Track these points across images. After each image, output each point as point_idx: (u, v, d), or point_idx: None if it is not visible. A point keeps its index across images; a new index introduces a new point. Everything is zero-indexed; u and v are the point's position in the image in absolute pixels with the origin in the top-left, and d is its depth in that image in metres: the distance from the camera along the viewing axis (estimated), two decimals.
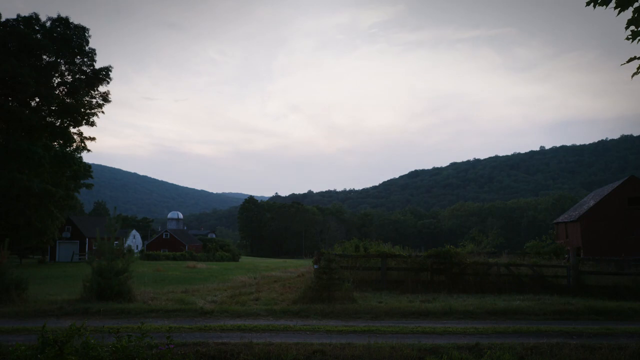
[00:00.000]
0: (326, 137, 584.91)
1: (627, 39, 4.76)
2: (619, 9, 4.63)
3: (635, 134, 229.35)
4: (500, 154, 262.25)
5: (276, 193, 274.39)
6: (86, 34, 42.08)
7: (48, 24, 41.12)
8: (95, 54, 42.78)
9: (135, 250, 70.22)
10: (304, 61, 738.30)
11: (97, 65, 43.19)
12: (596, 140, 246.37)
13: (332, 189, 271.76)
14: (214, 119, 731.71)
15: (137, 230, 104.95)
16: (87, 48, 42.18)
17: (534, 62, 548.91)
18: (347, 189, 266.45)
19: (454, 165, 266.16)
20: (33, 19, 40.32)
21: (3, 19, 38.99)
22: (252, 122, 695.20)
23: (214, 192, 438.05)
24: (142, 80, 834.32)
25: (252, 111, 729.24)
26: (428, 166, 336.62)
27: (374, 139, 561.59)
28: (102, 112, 44.12)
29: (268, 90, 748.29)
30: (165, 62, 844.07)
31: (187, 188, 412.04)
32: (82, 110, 42.49)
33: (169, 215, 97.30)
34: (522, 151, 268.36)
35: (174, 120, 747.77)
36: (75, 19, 55.69)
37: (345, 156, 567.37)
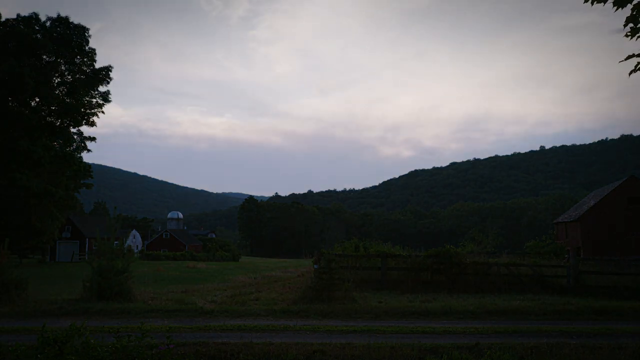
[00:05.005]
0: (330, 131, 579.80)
1: (627, 35, 4.77)
2: (617, 6, 4.64)
3: (635, 134, 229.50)
4: (500, 154, 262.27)
5: (276, 193, 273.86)
6: (86, 34, 42.17)
7: (48, 23, 41.16)
8: (95, 53, 42.84)
9: (135, 250, 70.21)
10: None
11: (97, 65, 43.29)
12: (596, 140, 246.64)
13: (332, 189, 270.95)
14: (212, 103, 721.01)
15: (137, 230, 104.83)
16: (87, 48, 42.24)
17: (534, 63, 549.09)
18: (347, 189, 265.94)
19: (454, 165, 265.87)
20: (33, 18, 40.38)
21: (3, 19, 39.06)
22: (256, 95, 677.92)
23: (214, 192, 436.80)
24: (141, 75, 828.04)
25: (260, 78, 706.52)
26: (428, 166, 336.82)
27: (374, 136, 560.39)
28: (102, 112, 44.16)
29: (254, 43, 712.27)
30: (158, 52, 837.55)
31: (187, 188, 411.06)
32: (82, 110, 42.49)
33: (169, 215, 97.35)
34: (522, 151, 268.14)
35: (174, 117, 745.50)
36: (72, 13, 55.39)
37: (347, 155, 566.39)
